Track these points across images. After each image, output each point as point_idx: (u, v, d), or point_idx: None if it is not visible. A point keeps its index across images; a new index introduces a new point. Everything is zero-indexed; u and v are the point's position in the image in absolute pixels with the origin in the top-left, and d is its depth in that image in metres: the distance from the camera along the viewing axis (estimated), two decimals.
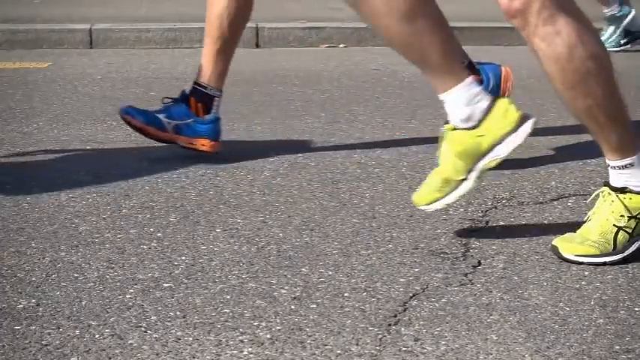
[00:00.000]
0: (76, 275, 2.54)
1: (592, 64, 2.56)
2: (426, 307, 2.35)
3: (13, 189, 3.30)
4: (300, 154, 3.78)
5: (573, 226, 2.89)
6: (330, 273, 2.56)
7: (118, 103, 4.13)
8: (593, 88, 2.57)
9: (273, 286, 2.47)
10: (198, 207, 3.12)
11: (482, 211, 3.07)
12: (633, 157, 2.63)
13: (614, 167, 2.65)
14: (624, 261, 2.63)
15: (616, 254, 2.62)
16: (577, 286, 2.48)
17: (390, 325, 2.25)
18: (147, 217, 3.02)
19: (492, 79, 3.64)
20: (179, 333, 2.21)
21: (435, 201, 2.72)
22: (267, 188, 3.33)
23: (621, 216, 2.63)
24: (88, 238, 2.81)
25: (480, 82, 3.60)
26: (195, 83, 3.68)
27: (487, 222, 2.97)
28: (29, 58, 6.37)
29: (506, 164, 3.61)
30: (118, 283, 2.49)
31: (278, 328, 2.23)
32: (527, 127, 2.68)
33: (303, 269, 2.58)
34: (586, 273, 2.56)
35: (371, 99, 4.87)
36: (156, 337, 2.18)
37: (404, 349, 2.14)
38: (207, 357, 2.10)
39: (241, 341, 2.17)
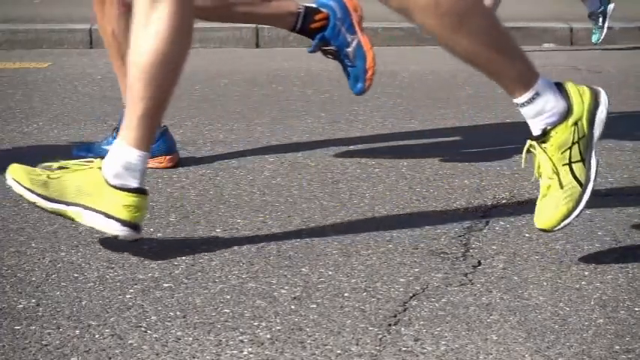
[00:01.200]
0: (76, 275, 2.54)
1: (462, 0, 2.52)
2: (426, 307, 2.35)
3: None
4: (300, 154, 3.78)
5: (573, 226, 2.89)
6: (330, 273, 2.56)
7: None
8: (474, 22, 2.52)
9: (273, 286, 2.47)
10: (198, 207, 3.12)
11: (482, 211, 3.07)
12: (536, 84, 2.57)
13: (523, 104, 2.57)
14: (624, 260, 2.63)
15: (587, 187, 2.56)
16: (577, 286, 2.48)
17: (390, 325, 2.25)
18: (147, 217, 3.01)
19: (337, 7, 3.60)
20: (179, 333, 2.21)
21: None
22: (267, 188, 3.33)
23: (562, 154, 2.57)
24: (88, 238, 2.81)
25: (328, 18, 3.58)
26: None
27: (487, 222, 2.97)
28: (29, 58, 6.38)
29: (506, 164, 3.63)
30: (118, 283, 2.49)
31: (278, 328, 2.23)
32: (129, 233, 2.61)
33: (303, 269, 2.58)
34: (586, 273, 2.56)
35: (371, 99, 4.87)
36: (156, 337, 2.18)
37: (404, 349, 2.13)
38: (207, 357, 2.10)
39: (241, 341, 2.17)
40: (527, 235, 2.85)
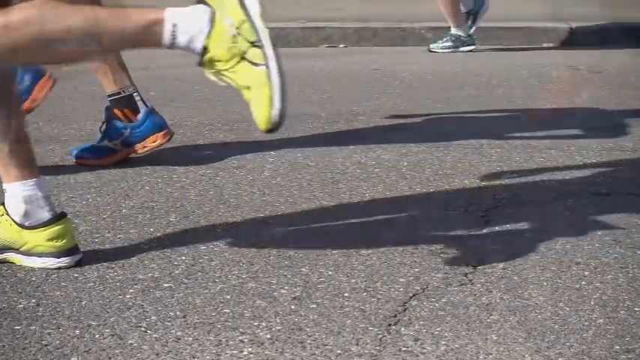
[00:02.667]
0: (76, 275, 2.54)
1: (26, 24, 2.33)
2: (426, 307, 2.35)
3: None
4: (300, 154, 3.78)
5: (573, 226, 2.90)
6: (330, 273, 2.56)
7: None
8: (45, 26, 2.32)
9: (273, 286, 2.47)
10: (198, 207, 3.12)
11: (482, 211, 3.07)
12: (165, 17, 2.36)
13: (173, 42, 2.37)
14: (624, 260, 2.63)
15: (269, 62, 2.34)
16: (577, 286, 2.48)
17: (390, 325, 2.25)
18: (147, 217, 3.02)
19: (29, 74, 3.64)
20: (179, 333, 2.21)
21: None
22: (267, 188, 3.33)
23: (232, 52, 2.37)
24: (88, 238, 2.81)
25: None
26: (109, 96, 3.66)
27: (487, 222, 2.97)
28: None
29: (506, 164, 3.63)
30: (118, 283, 2.49)
31: (278, 328, 2.23)
32: (69, 261, 2.59)
33: (303, 269, 2.58)
34: (586, 273, 2.56)
35: (371, 99, 4.87)
36: (156, 337, 2.18)
37: (404, 349, 2.14)
38: (207, 357, 2.10)
39: (241, 341, 2.17)
40: (527, 235, 2.85)
